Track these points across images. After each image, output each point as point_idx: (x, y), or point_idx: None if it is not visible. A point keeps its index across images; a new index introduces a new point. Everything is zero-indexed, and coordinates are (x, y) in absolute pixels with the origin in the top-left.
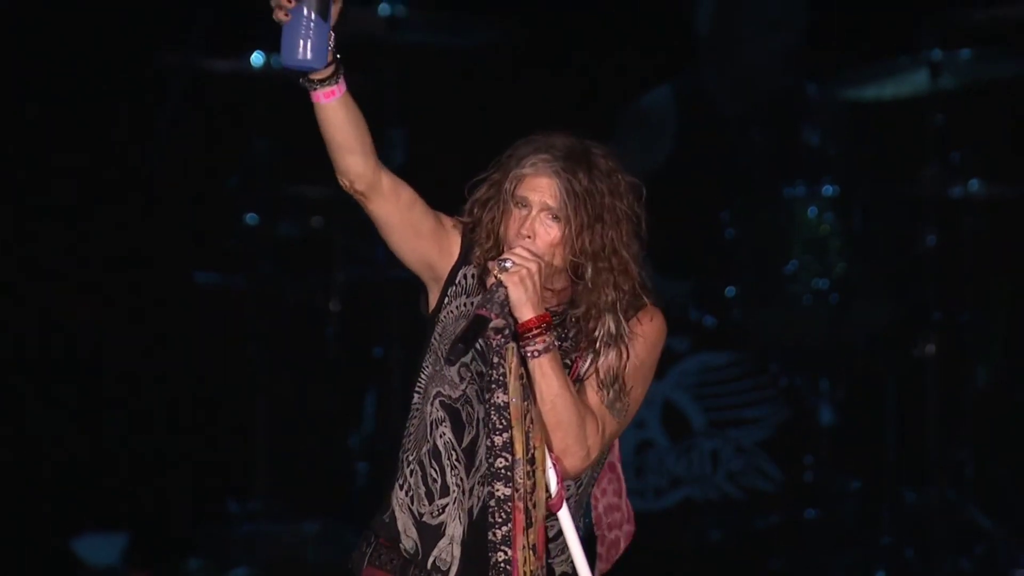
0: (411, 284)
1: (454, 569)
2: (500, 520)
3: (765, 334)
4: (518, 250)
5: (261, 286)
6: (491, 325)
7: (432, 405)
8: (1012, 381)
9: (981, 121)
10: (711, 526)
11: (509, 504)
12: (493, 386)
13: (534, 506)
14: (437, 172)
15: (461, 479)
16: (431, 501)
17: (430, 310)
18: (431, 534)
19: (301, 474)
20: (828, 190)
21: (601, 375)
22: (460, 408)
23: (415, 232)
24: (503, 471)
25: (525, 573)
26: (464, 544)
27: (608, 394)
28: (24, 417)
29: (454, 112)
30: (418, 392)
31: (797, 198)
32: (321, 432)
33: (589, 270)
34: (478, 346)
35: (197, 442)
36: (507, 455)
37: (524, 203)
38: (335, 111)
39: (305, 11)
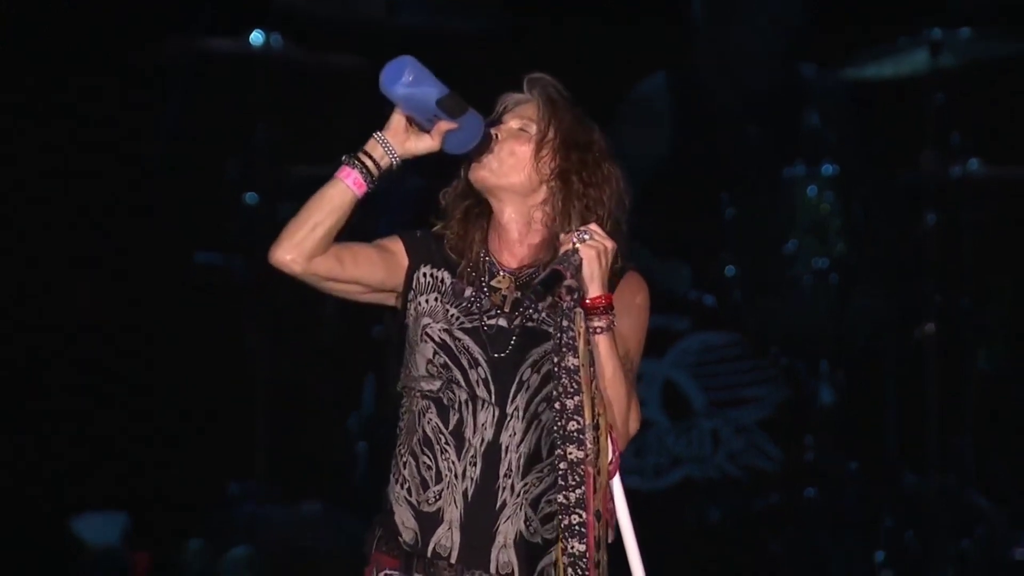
0: None
1: (455, 554)
2: (573, 483)
3: (765, 314)
4: (594, 226)
5: (261, 266)
6: (565, 283)
7: (416, 398)
8: (1012, 361)
9: (981, 101)
10: (711, 505)
11: (582, 467)
12: (564, 349)
13: (598, 472)
14: (437, 156)
15: (452, 463)
16: (426, 489)
17: (398, 319)
18: (429, 522)
19: (301, 455)
20: (828, 170)
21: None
22: (441, 395)
23: (368, 278)
24: (575, 434)
25: (597, 537)
26: (463, 527)
27: (624, 364)
28: (24, 397)
29: None
30: (404, 393)
31: (797, 178)
32: (321, 413)
33: (560, 198)
34: (454, 339)
35: (197, 422)
36: (579, 418)
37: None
38: (350, 203)
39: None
